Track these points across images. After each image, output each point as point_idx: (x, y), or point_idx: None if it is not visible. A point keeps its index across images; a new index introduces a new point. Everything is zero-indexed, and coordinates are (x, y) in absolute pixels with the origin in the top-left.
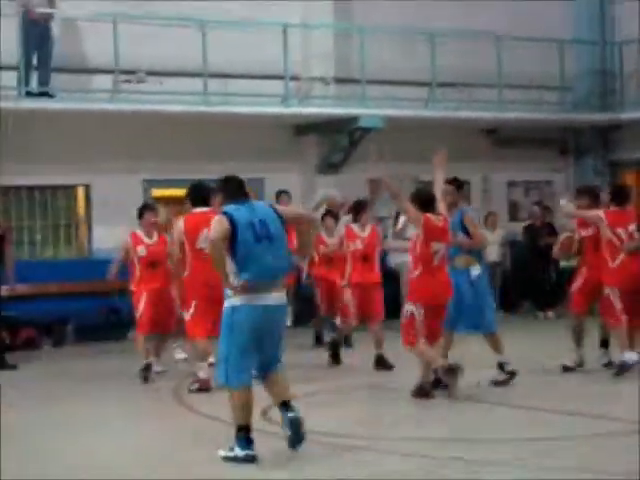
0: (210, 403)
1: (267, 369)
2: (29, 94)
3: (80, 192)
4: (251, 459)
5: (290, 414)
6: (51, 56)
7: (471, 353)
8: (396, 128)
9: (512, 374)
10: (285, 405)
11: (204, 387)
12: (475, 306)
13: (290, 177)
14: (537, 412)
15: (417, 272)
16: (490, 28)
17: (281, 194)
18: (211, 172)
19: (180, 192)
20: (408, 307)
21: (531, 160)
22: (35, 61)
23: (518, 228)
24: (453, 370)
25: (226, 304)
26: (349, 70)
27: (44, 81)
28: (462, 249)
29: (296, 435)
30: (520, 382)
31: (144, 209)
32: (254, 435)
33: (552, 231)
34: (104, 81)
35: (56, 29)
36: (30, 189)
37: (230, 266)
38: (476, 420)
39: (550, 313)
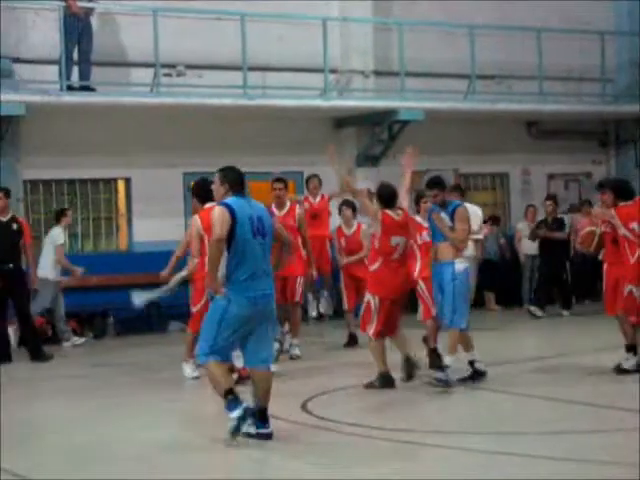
0: (246, 392)
1: (254, 363)
2: (70, 88)
3: (120, 185)
4: (247, 412)
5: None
6: (91, 50)
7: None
8: (435, 120)
9: (479, 374)
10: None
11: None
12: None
13: (329, 170)
14: (566, 404)
15: (376, 265)
16: (530, 20)
17: (311, 178)
18: (250, 165)
19: None
20: (367, 297)
21: (571, 152)
22: (76, 55)
23: None
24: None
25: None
26: (388, 63)
27: (85, 75)
28: (444, 237)
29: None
30: (549, 375)
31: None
32: (295, 427)
33: (560, 226)
34: (144, 75)
35: (95, 23)
36: (71, 182)
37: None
38: (503, 412)
39: (538, 311)
